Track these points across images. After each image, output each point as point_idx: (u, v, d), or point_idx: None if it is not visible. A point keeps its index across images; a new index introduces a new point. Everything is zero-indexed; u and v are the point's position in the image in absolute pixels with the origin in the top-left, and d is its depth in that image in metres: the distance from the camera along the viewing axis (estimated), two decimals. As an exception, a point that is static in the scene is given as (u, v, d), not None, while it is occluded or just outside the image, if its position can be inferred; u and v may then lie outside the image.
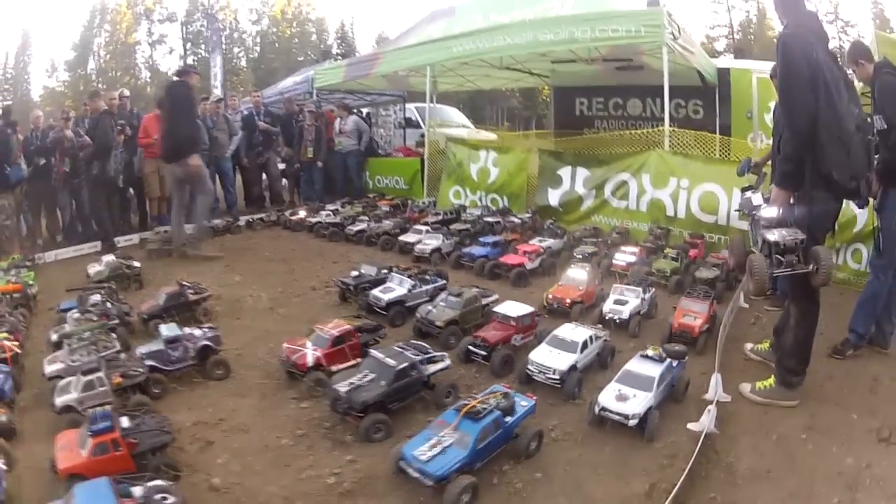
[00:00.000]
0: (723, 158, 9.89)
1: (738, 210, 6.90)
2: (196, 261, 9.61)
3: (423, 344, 4.69)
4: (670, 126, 10.41)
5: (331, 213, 11.88)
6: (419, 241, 8.89)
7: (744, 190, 4.70)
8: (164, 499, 3.34)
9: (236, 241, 11.26)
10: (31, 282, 8.16)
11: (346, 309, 6.64)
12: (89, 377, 4.66)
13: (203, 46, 59.89)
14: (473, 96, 21.03)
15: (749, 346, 5.29)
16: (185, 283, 7.01)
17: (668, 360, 4.21)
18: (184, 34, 61.73)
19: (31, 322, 6.81)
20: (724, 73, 13.34)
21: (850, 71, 5.47)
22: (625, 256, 7.51)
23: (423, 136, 17.51)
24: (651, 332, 5.51)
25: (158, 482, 3.49)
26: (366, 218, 11.10)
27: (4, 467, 3.76)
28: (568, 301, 5.97)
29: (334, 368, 4.79)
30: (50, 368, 5.12)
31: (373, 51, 16.82)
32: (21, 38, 60.17)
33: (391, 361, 4.11)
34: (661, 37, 10.02)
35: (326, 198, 13.89)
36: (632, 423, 3.76)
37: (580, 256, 7.72)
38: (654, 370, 4.06)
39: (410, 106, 19.89)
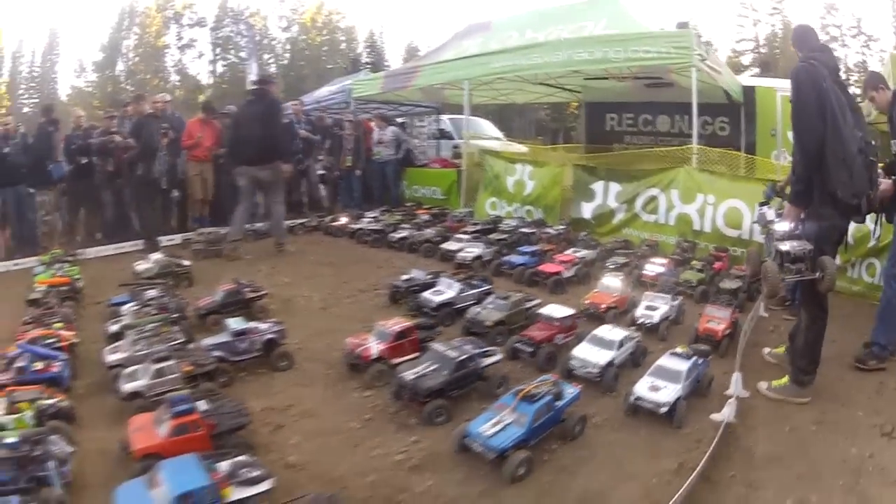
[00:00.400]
0: (747, 176, 10.26)
1: (755, 223, 7.47)
2: (243, 261, 10.02)
3: (477, 340, 5.16)
4: (697, 143, 10.81)
5: (372, 220, 12.14)
6: (461, 249, 9.23)
7: (760, 205, 5.28)
8: (250, 472, 3.61)
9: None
10: (76, 276, 8.52)
11: (396, 310, 7.00)
12: (160, 365, 4.98)
13: (233, 52, 60.65)
14: (503, 108, 21.40)
15: (767, 349, 5.72)
16: (242, 281, 7.36)
17: (695, 357, 4.71)
18: (213, 39, 62.17)
19: (79, 315, 7.17)
20: (749, 91, 13.69)
21: (868, 99, 5.95)
22: (654, 267, 7.92)
23: (456, 147, 18.08)
24: (678, 336, 5.91)
25: (243, 457, 3.76)
26: (407, 226, 11.38)
27: (70, 449, 4.04)
28: (603, 306, 6.43)
29: (394, 361, 5.18)
30: (111, 357, 5.46)
31: (410, 63, 16.99)
32: (48, 37, 61.07)
33: (452, 353, 4.59)
34: (689, 58, 10.46)
35: (364, 205, 14.20)
36: (662, 410, 4.26)
37: (613, 266, 8.15)
38: (682, 365, 4.56)
39: (444, 117, 20.08)
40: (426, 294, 6.78)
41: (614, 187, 10.95)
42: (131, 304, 6.71)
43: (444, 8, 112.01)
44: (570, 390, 4.21)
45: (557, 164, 12.60)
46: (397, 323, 5.45)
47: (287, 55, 63.85)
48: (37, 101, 55.22)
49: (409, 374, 4.51)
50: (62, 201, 12.41)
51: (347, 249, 11.07)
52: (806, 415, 4.58)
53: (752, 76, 31.03)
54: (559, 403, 4.01)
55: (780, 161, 11.94)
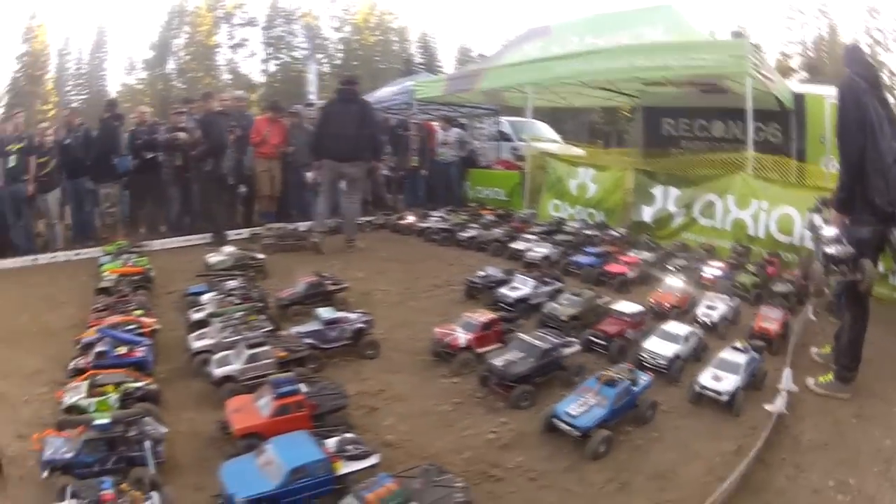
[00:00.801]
0: (798, 183, 10.55)
1: (806, 228, 7.97)
2: (316, 256, 10.53)
3: (556, 332, 5.65)
4: (752, 150, 11.20)
5: (439, 219, 12.56)
6: (529, 249, 9.67)
7: (811, 212, 5.84)
8: (356, 448, 3.87)
9: (342, 242, 11.73)
10: (147, 266, 8.92)
11: (472, 305, 7.39)
12: (254, 350, 5.27)
13: (285, 51, 61.34)
14: (556, 111, 21.69)
15: (814, 349, 6.18)
16: (324, 274, 7.77)
17: (752, 352, 5.25)
18: (265, 38, 62.68)
19: (152, 303, 7.46)
20: (799, 99, 13.90)
21: None
22: (712, 270, 8.38)
23: (515, 149, 18.51)
24: (735, 334, 6.24)
25: (349, 434, 4.02)
26: (475, 225, 11.80)
27: (164, 430, 4.22)
28: (667, 305, 6.95)
29: (479, 351, 5.64)
30: (198, 344, 5.78)
31: (473, 67, 17.45)
32: (96, 34, 61.83)
33: (538, 343, 5.13)
34: (744, 67, 10.84)
35: (428, 205, 14.63)
36: (724, 398, 4.80)
37: (673, 269, 8.61)
38: (741, 358, 5.09)
39: (503, 119, 20.48)
40: (502, 290, 7.29)
41: (673, 192, 11.34)
42: (211, 293, 7.20)
43: (496, 9, 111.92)
44: (644, 378, 4.77)
45: (619, 168, 13.02)
46: (483, 315, 5.96)
47: (340, 55, 64.15)
48: (84, 97, 56.46)
49: (498, 361, 5.03)
50: (125, 194, 12.82)
51: (416, 247, 11.52)
52: (847, 409, 5.05)
53: (800, 81, 30.94)
54: (635, 389, 4.57)
55: (829, 168, 12.22)
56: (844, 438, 4.61)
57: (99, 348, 5.50)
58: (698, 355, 5.79)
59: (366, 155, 11.26)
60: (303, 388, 4.48)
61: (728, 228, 10.52)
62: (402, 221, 12.89)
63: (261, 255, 9.52)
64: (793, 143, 13.72)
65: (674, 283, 7.53)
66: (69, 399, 4.72)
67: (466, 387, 5.34)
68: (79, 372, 5.27)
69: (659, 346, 5.55)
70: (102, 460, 4.01)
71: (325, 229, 11.42)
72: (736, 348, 5.31)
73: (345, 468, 3.72)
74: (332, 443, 3.87)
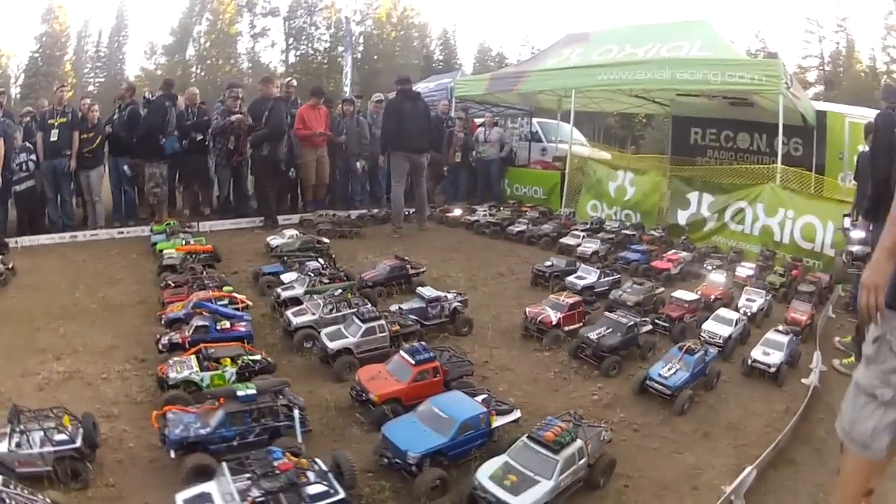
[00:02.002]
0: (818, 195, 11.71)
1: (838, 229, 9.20)
2: (375, 241, 11.35)
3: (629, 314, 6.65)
4: (776, 162, 12.26)
5: (486, 213, 13.42)
6: (579, 244, 10.69)
7: (844, 215, 7.24)
8: (499, 405, 4.52)
9: (400, 232, 12.44)
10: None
11: (539, 291, 8.44)
12: (370, 324, 5.76)
13: (305, 42, 62.39)
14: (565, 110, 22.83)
15: (837, 338, 7.37)
16: (404, 257, 8.54)
17: (791, 335, 6.42)
18: (286, 29, 63.43)
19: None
20: (821, 116, 14.91)
21: None
22: (744, 270, 9.53)
23: (544, 150, 19.35)
24: (768, 324, 7.34)
25: (485, 395, 4.61)
26: (523, 220, 12.77)
27: (302, 400, 4.49)
28: (712, 297, 8.00)
29: (567, 328, 6.65)
30: (299, 320, 6.25)
31: (515, 68, 18.09)
32: (116, 18, 62.68)
33: (624, 320, 6.23)
34: (778, 86, 11.96)
35: (468, 200, 15.53)
36: (772, 370, 5.95)
37: (710, 268, 9.65)
38: (783, 339, 6.25)
39: (535, 120, 21.11)
40: (570, 278, 8.36)
41: (707, 198, 12.43)
42: (291, 273, 7.88)
43: (515, 8, 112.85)
44: (712, 350, 5.92)
45: (658, 173, 14.11)
46: (570, 297, 7.03)
47: (360, 49, 64.41)
48: (102, 80, 57.49)
49: (592, 335, 6.10)
50: (169, 175, 12.80)
51: (467, 239, 12.32)
52: None
53: (816, 93, 31.89)
54: (707, 358, 5.72)
55: (846, 183, 13.22)
56: None
57: (198, 322, 5.77)
58: (744, 338, 6.94)
59: (430, 147, 12.43)
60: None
61: (756, 234, 11.61)
62: (449, 214, 13.84)
63: (325, 240, 10.15)
64: (813, 157, 14.68)
65: (717, 278, 8.66)
66: (178, 374, 4.91)
67: (559, 359, 6.28)
68: (174, 346, 5.57)
69: (716, 328, 6.68)
70: (243, 433, 4.17)
71: (403, 214, 12.45)
72: (779, 331, 6.47)
73: (497, 422, 4.34)
74: (480, 400, 4.45)
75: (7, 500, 3.25)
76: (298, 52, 64.34)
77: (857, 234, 6.29)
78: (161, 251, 9.25)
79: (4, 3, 69.17)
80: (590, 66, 15.11)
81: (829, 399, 5.78)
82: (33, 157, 11.56)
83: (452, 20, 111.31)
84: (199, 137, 12.84)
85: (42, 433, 3.99)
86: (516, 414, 4.53)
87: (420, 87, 21.85)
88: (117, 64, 62.89)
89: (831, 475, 4.40)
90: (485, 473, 3.67)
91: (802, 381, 6.05)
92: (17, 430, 3.98)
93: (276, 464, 3.50)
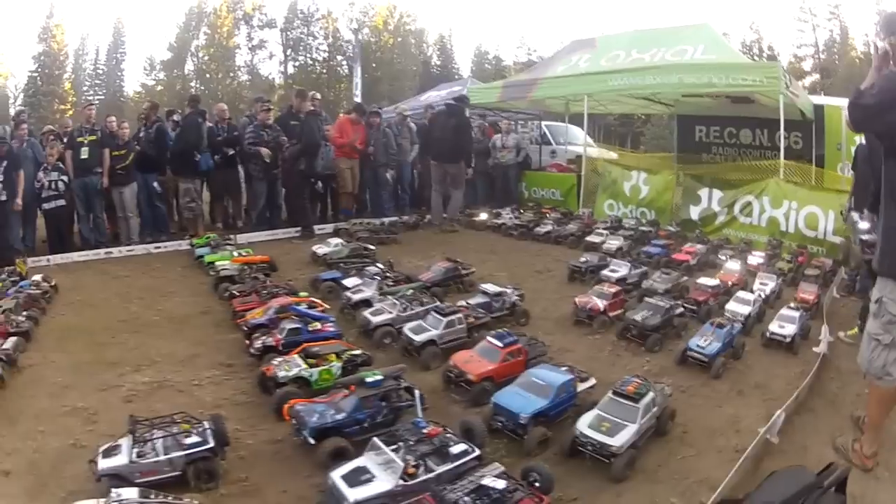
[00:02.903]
0: (819, 186, 12.87)
1: (845, 221, 10.28)
2: (414, 245, 12.37)
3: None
4: (777, 157, 13.44)
5: (511, 216, 14.56)
6: (604, 241, 11.70)
7: (850, 210, 8.36)
8: (580, 374, 5.46)
9: (428, 236, 13.79)
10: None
11: (576, 285, 9.47)
12: (451, 317, 6.57)
13: (303, 53, 63.63)
14: (573, 115, 23.85)
15: (841, 333, 7.94)
16: (456, 259, 9.42)
17: (801, 311, 7.60)
18: (284, 40, 64.67)
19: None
20: (819, 109, 15.95)
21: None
22: (755, 258, 10.70)
23: (553, 152, 20.47)
24: (780, 306, 8.25)
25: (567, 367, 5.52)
26: (548, 221, 13.90)
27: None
28: (730, 282, 9.12)
29: (612, 314, 7.64)
30: (378, 319, 7.00)
31: (527, 76, 18.96)
32: (113, 34, 63.53)
33: (662, 304, 7.36)
34: (778, 86, 12.96)
35: (488, 204, 16.65)
36: (787, 340, 7.09)
37: (724, 258, 10.77)
38: (795, 314, 7.40)
39: (542, 124, 22.11)
40: (605, 272, 9.48)
41: (717, 193, 13.59)
42: (353, 278, 8.63)
43: (511, 12, 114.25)
44: (737, 325, 7.09)
45: (670, 172, 15.27)
46: (612, 287, 8.21)
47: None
48: (102, 97, 58.27)
49: (637, 317, 7.23)
50: (201, 190, 13.36)
51: (497, 241, 13.32)
52: None
53: (813, 82, 32.96)
54: (734, 332, 6.86)
55: (845, 173, 14.25)
56: None
57: (290, 325, 6.41)
58: (761, 317, 8.09)
59: (460, 158, 13.74)
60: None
61: (764, 225, 12.76)
62: (475, 218, 15.01)
63: (371, 247, 10.96)
64: (812, 149, 15.80)
65: (732, 266, 9.87)
66: (288, 372, 5.51)
67: (608, 340, 7.33)
68: (268, 349, 6.20)
69: (737, 308, 7.82)
70: (373, 415, 4.78)
71: (441, 218, 13.85)
72: (790, 308, 7.66)
73: (580, 386, 5.30)
74: (564, 370, 5.38)
75: None
76: (297, 63, 65.68)
77: (864, 224, 7.28)
78: (211, 263, 9.91)
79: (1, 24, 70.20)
80: (601, 73, 16.12)
81: (837, 363, 6.88)
82: (64, 176, 11.78)
83: (448, 25, 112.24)
84: (231, 152, 13.54)
85: (170, 439, 4.34)
86: (593, 381, 5.57)
87: (431, 94, 23.47)
88: (116, 81, 63.99)
89: (844, 420, 5.55)
90: (583, 424, 4.65)
91: (814, 349, 7.14)
92: (139, 440, 4.27)
93: (425, 431, 4.28)
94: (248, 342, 6.57)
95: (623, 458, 4.44)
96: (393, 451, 4.01)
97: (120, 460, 4.14)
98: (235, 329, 7.42)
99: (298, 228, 13.41)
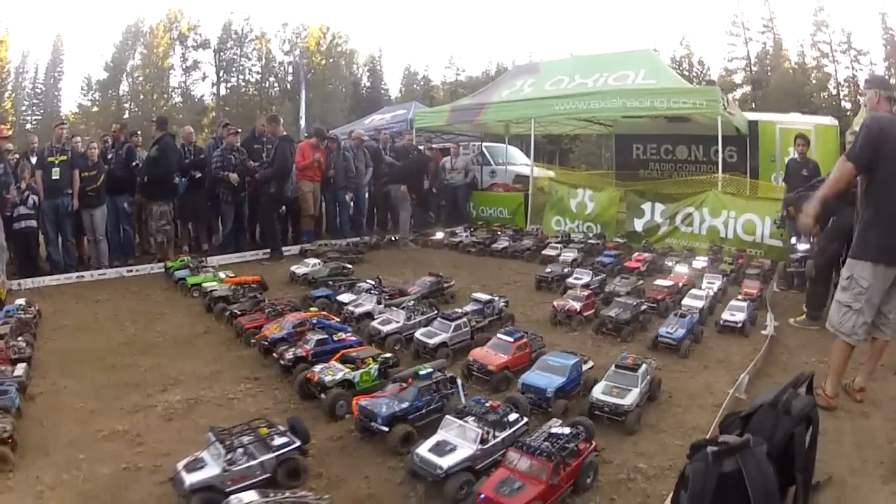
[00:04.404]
0: (754, 196, 14.48)
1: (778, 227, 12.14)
2: (388, 263, 13.34)
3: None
4: (713, 170, 15.25)
5: (466, 235, 15.99)
6: (560, 254, 12.94)
7: (774, 222, 10.39)
8: (585, 361, 6.46)
9: (392, 255, 14.78)
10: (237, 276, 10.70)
11: (544, 293, 10.67)
12: (457, 322, 7.42)
13: (235, 75, 64.28)
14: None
15: (791, 319, 9.20)
16: (438, 273, 10.40)
17: (748, 301, 9.00)
18: (217, 61, 65.17)
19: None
20: (753, 125, 17.76)
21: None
22: (699, 262, 12.08)
23: (492, 172, 21.81)
24: (727, 301, 9.49)
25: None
26: (505, 238, 15.21)
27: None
28: (680, 283, 10.35)
29: (586, 314, 8.66)
30: (387, 328, 7.70)
31: (474, 100, 20.16)
32: (52, 53, 62.92)
33: (631, 301, 8.59)
34: (717, 108, 14.70)
35: (437, 224, 17.84)
36: (738, 325, 8.39)
37: (671, 263, 12.12)
38: (743, 304, 8.78)
39: (482, 145, 23.45)
40: (570, 279, 10.66)
41: (659, 206, 15.11)
42: (348, 294, 9.40)
43: (439, 32, 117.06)
44: (695, 316, 8.26)
45: (614, 189, 16.73)
46: (584, 291, 9.42)
47: (289, 78, 66.82)
48: (39, 118, 57.79)
49: (611, 314, 8.44)
50: (169, 213, 13.43)
51: (458, 258, 14.42)
52: (814, 333, 8.58)
53: (744, 94, 35.29)
54: (693, 321, 8.07)
55: (778, 183, 15.87)
56: (814, 343, 7.90)
57: (317, 336, 6.99)
58: (712, 310, 9.40)
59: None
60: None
61: (704, 233, 14.35)
62: (432, 237, 16.21)
63: (349, 266, 11.81)
64: (747, 162, 17.48)
65: (681, 269, 11.33)
66: (332, 377, 6.07)
67: (586, 335, 8.39)
68: (299, 360, 6.69)
69: (692, 302, 9.09)
70: (429, 402, 5.48)
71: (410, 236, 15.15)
72: (738, 299, 9.09)
73: (584, 367, 6.39)
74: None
75: None
76: (229, 85, 66.36)
77: (802, 246, 9.26)
78: (196, 285, 10.52)
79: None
80: (547, 98, 17.63)
81: (785, 342, 8.20)
82: (35, 196, 11.90)
83: (378, 46, 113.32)
84: (199, 175, 13.93)
85: (258, 443, 4.62)
86: (591, 363, 6.67)
87: (375, 118, 24.69)
88: (53, 100, 63.50)
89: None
90: (598, 391, 5.70)
91: (762, 332, 8.41)
92: (229, 448, 4.47)
93: (487, 405, 5.06)
94: (275, 355, 7.05)
95: (633, 415, 5.52)
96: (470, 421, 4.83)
97: (210, 471, 4.37)
98: (245, 346, 7.96)
99: (267, 251, 14.11)
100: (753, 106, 44.65)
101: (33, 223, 12.05)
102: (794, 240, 10.30)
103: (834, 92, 55.70)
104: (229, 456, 4.43)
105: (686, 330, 7.81)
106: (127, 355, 7.79)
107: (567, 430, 4.68)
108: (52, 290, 11.40)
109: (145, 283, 11.83)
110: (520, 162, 23.90)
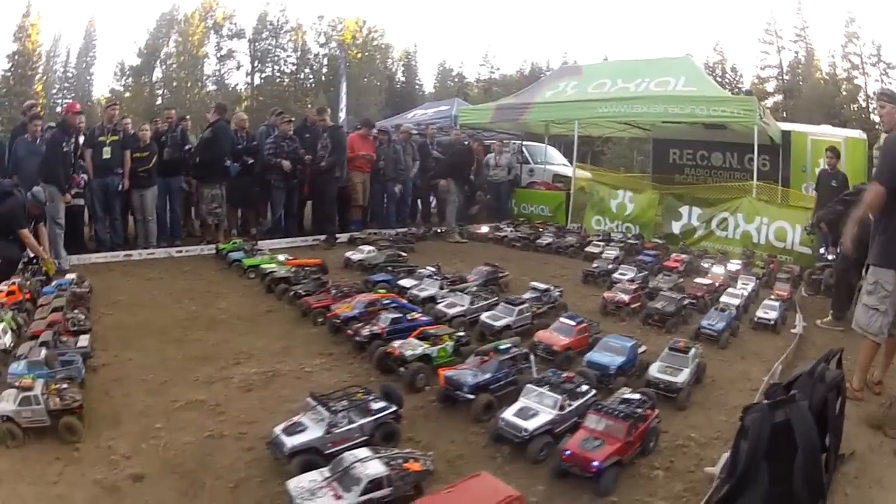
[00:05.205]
0: (786, 204, 15.27)
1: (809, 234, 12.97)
2: (441, 253, 13.87)
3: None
4: (745, 178, 16.08)
5: (511, 230, 16.68)
6: (602, 252, 13.64)
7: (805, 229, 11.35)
8: (639, 345, 6.95)
9: (439, 246, 15.50)
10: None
11: (591, 287, 11.39)
12: (521, 307, 7.97)
13: (270, 64, 64.83)
14: (533, 133, 24.88)
15: (818, 321, 9.87)
16: (494, 264, 11.00)
17: (780, 302, 9.86)
18: (252, 51, 65.83)
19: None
20: (786, 135, 18.63)
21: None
22: (733, 265, 12.87)
23: (531, 171, 22.48)
24: (758, 301, 10.13)
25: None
26: (549, 234, 15.92)
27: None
28: (716, 283, 11.15)
29: (633, 306, 9.37)
30: (453, 311, 8.22)
31: (520, 99, 20.83)
32: (84, 38, 63.33)
33: (676, 296, 9.50)
34: (753, 118, 15.42)
35: (476, 220, 18.45)
36: (771, 322, 9.23)
37: (706, 266, 12.96)
38: (776, 304, 9.62)
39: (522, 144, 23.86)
40: (615, 275, 11.54)
41: (696, 210, 15.96)
42: (411, 279, 9.92)
43: (474, 29, 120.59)
44: (733, 312, 9.20)
45: (654, 191, 17.61)
46: (632, 285, 10.32)
47: (324, 70, 67.29)
48: (70, 101, 57.86)
49: (658, 306, 9.28)
50: (221, 197, 13.63)
51: (504, 251, 15.07)
52: (836, 333, 9.41)
53: (775, 102, 35.79)
54: (732, 315, 8.98)
55: (808, 192, 16.59)
56: (839, 342, 7.17)
57: (392, 315, 7.41)
58: (747, 308, 10.25)
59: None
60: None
61: (738, 238, 15.14)
62: (478, 231, 17.09)
63: (404, 253, 12.44)
64: (779, 171, 18.11)
65: (717, 270, 12.22)
66: (413, 351, 6.53)
67: (634, 325, 9.05)
68: (374, 336, 7.12)
69: (729, 300, 9.91)
70: (507, 374, 5.93)
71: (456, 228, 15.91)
72: (771, 300, 9.96)
73: (639, 350, 6.95)
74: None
75: (395, 460, 4.21)
76: (263, 75, 66.98)
77: (830, 256, 10.17)
78: (253, 267, 10.87)
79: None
80: (592, 101, 18.37)
81: (812, 340, 8.82)
82: (84, 175, 12.10)
83: (413, 41, 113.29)
84: (250, 161, 14.17)
85: (357, 408, 4.89)
86: (645, 347, 7.23)
87: (417, 113, 25.41)
88: (85, 85, 64.07)
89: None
90: (654, 370, 6.34)
91: (791, 331, 9.21)
92: (328, 412, 4.70)
93: (563, 377, 5.60)
94: (350, 332, 7.42)
95: (684, 391, 6.21)
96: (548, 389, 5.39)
97: (312, 434, 4.60)
98: (313, 324, 8.37)
99: (316, 237, 14.75)
100: (784, 115, 44.80)
101: (80, 201, 12.40)
102: (821, 250, 11.22)
103: (864, 104, 55.33)
104: (332, 419, 4.68)
105: (726, 323, 8.50)
106: (191, 330, 8.07)
107: (637, 397, 5.38)
108: (98, 267, 11.59)
109: (196, 264, 12.10)
110: (558, 162, 24.54)
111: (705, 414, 6.20)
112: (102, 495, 4.35)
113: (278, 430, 4.75)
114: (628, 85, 18.65)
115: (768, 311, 9.50)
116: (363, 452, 4.22)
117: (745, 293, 10.51)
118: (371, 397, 5.16)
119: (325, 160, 14.25)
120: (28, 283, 8.97)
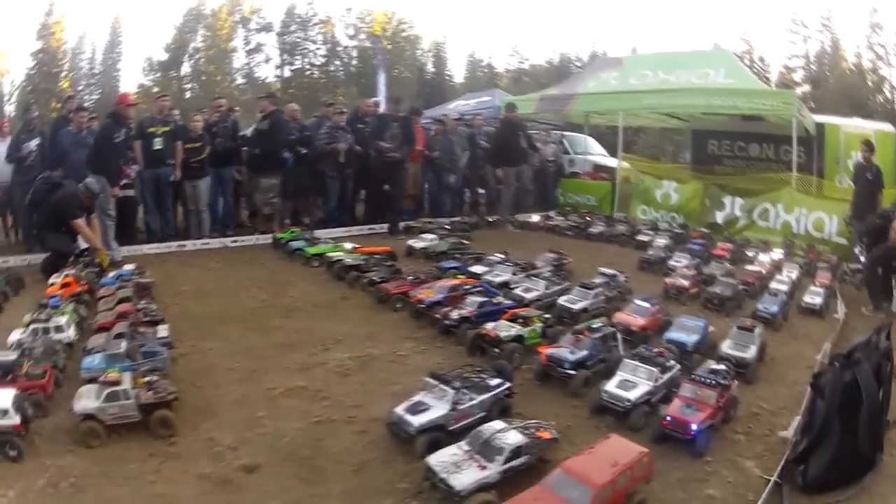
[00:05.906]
0: (822, 195, 16.16)
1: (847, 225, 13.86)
2: (498, 240, 13.82)
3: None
4: (782, 169, 16.90)
5: (561, 219, 17.24)
6: (653, 240, 14.03)
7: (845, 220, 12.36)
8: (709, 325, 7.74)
9: (494, 234, 15.80)
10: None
11: (647, 273, 11.95)
12: (596, 290, 8.62)
13: (299, 57, 65.27)
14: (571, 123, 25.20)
15: (863, 308, 10.60)
16: (559, 251, 11.50)
17: (824, 289, 10.84)
18: (280, 44, 66.19)
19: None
20: (820, 127, 18.83)
21: None
22: (776, 254, 13.79)
23: (571, 161, 22.98)
24: (801, 289, 10.77)
25: None
26: (600, 223, 16.51)
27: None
28: (763, 271, 12.09)
29: (692, 291, 10.10)
30: (530, 295, 8.80)
31: (564, 91, 21.47)
32: (110, 34, 63.85)
33: (733, 282, 10.42)
34: (791, 111, 16.08)
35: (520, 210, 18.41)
36: (818, 308, 10.08)
37: (751, 254, 13.90)
38: (820, 290, 10.48)
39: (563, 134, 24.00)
40: (671, 262, 12.26)
41: (738, 201, 16.85)
42: (480, 266, 10.35)
43: (504, 20, 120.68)
44: (783, 297, 10.00)
45: (698, 181, 18.50)
46: (691, 270, 11.31)
47: (354, 62, 67.75)
48: (97, 97, 58.32)
49: (717, 290, 10.11)
50: (277, 187, 13.85)
51: (556, 240, 15.06)
52: (877, 320, 9.92)
53: (804, 93, 36.17)
54: (784, 300, 9.87)
55: (842, 184, 17.47)
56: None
57: (480, 299, 7.81)
58: (793, 294, 11.05)
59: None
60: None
61: (778, 228, 16.02)
62: (529, 220, 17.56)
63: (466, 241, 12.93)
64: (814, 163, 18.75)
65: (763, 258, 13.18)
66: (508, 332, 6.90)
67: (695, 308, 9.49)
68: (464, 319, 7.42)
69: (779, 286, 10.67)
70: (601, 351, 6.45)
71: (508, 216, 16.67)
72: (815, 286, 10.88)
73: (709, 329, 7.58)
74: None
75: (528, 430, 4.55)
76: (293, 68, 67.35)
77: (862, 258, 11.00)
78: (315, 255, 11.19)
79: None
80: (636, 92, 19.20)
81: (853, 325, 9.43)
82: (135, 166, 12.18)
83: (443, 32, 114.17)
84: (304, 151, 14.31)
85: (476, 385, 5.17)
86: (712, 327, 7.84)
87: (459, 104, 26.11)
88: (112, 81, 64.37)
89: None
90: (725, 346, 7.03)
91: (834, 315, 10.17)
92: (452, 389, 4.90)
93: (655, 352, 6.14)
94: (438, 316, 7.81)
95: (752, 366, 6.82)
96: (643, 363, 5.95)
97: (437, 412, 4.82)
98: (390, 310, 8.74)
99: (370, 226, 15.29)
100: (813, 106, 45.29)
101: (131, 192, 12.51)
102: (856, 249, 12.15)
103: (889, 96, 54.94)
104: (456, 396, 4.89)
105: (779, 307, 9.22)
106: (269, 318, 8.25)
107: (723, 367, 6.07)
108: (151, 258, 11.68)
109: (254, 254, 12.36)
110: (597, 152, 24.82)
111: (771, 387, 6.86)
112: (214, 490, 4.33)
113: (400, 409, 5.00)
114: (669, 76, 19.30)
115: (814, 296, 10.20)
116: (499, 424, 4.56)
117: (791, 280, 11.08)
118: (486, 375, 5.52)
119: (399, 151, 14.77)
120: (83, 274, 9.10)
